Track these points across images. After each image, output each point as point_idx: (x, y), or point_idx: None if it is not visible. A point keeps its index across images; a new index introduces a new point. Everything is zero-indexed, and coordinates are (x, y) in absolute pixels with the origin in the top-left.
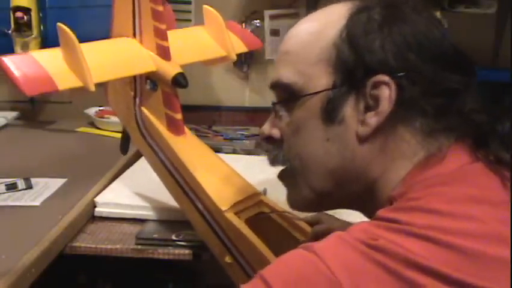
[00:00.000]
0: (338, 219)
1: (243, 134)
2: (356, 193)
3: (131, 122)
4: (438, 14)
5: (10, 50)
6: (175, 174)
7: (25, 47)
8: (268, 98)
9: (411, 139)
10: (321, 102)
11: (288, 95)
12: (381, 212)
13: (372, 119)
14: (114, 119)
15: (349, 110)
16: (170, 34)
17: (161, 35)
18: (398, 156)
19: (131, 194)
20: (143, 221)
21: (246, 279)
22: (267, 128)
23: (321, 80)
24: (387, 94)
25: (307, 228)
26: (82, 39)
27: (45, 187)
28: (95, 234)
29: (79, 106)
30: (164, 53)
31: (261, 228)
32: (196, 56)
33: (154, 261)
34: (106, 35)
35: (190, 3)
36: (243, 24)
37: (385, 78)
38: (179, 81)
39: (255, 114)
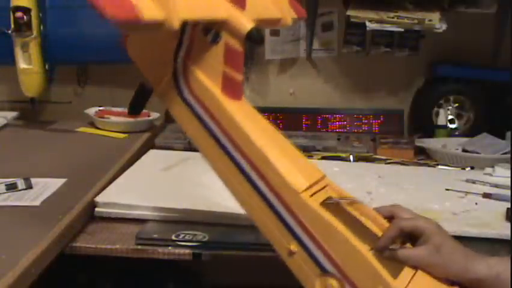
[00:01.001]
0: (413, 212)
1: None
2: None
3: (165, 79)
4: (438, 14)
5: (10, 50)
6: (227, 145)
7: (25, 47)
8: (268, 98)
9: None
10: None
11: None
12: None
13: None
14: (114, 119)
15: None
16: None
17: None
18: None
19: (131, 194)
20: (143, 221)
21: (313, 269)
22: None
23: None
24: None
25: (381, 220)
26: (82, 39)
27: (45, 187)
28: (95, 234)
29: (78, 106)
30: None
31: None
32: (259, 13)
33: (154, 261)
34: (106, 35)
35: None
36: None
37: None
38: (255, 36)
39: None
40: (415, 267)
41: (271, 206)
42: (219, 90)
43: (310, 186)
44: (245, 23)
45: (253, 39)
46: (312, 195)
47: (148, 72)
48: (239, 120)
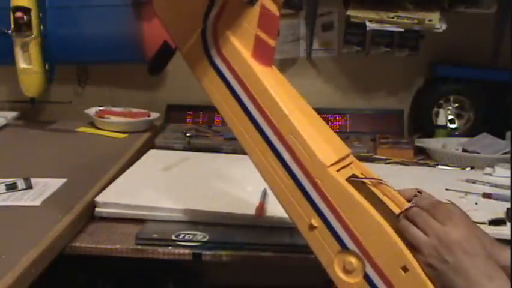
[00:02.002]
0: (434, 197)
1: None
2: None
3: (192, 39)
4: (438, 14)
5: (10, 50)
6: (254, 112)
7: (25, 47)
8: None
9: None
10: None
11: None
12: None
13: None
14: (114, 119)
15: None
16: None
17: None
18: None
19: (131, 194)
20: (143, 221)
21: (332, 245)
22: None
23: None
24: None
25: (404, 203)
26: (82, 39)
27: (45, 187)
28: (95, 234)
29: (79, 106)
30: None
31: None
32: None
33: (154, 261)
34: (106, 35)
35: None
36: None
37: None
38: (295, 1)
39: None
40: None
41: (295, 178)
42: (250, 54)
43: (337, 161)
44: None
45: (293, 4)
46: (338, 171)
47: (173, 29)
48: (268, 86)
